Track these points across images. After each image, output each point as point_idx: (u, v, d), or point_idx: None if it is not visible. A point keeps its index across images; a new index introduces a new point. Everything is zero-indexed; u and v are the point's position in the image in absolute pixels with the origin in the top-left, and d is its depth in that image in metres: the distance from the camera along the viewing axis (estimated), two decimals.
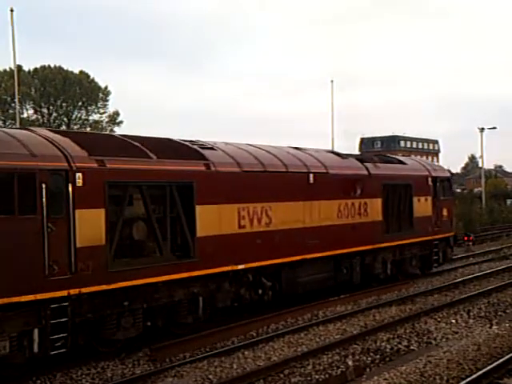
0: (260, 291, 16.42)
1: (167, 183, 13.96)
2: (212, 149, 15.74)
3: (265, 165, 16.38)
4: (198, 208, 14.44)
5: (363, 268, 19.71)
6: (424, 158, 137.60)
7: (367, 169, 19.82)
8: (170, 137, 15.85)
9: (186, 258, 14.27)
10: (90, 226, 12.31)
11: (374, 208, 19.85)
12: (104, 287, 12.53)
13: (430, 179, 22.61)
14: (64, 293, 11.82)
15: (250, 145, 17.51)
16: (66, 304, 11.88)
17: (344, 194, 18.78)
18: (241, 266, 15.55)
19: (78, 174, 12.17)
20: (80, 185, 12.18)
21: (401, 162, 22.14)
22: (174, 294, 14.12)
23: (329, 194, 18.19)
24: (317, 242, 17.65)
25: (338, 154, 19.79)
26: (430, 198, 22.45)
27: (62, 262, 11.82)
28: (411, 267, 21.96)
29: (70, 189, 12.02)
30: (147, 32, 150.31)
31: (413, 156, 23.87)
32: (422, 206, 21.99)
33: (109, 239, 12.63)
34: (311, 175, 17.61)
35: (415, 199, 21.65)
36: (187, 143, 15.58)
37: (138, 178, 13.43)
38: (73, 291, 11.97)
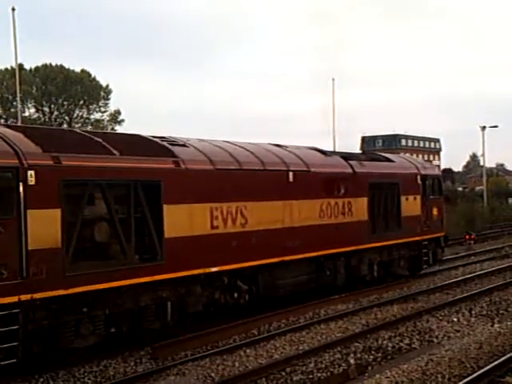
0: (236, 295, 15.46)
1: (131, 181, 12.97)
2: (184, 146, 14.77)
3: (240, 162, 15.41)
4: (166, 208, 13.47)
5: (348, 270, 18.72)
6: (425, 156, 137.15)
7: (352, 167, 18.81)
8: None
9: (152, 260, 13.31)
10: (44, 227, 11.34)
11: (360, 207, 18.85)
12: (61, 292, 11.56)
13: (418, 177, 21.54)
14: (14, 299, 10.86)
15: (227, 142, 16.54)
16: (17, 311, 10.96)
17: (327, 192, 17.79)
18: (214, 269, 14.58)
19: (30, 172, 11.20)
20: (32, 183, 11.21)
21: (388, 160, 21.11)
22: (140, 298, 13.15)
23: (310, 193, 17.20)
24: (297, 243, 16.67)
25: (321, 152, 18.77)
26: (418, 197, 21.40)
27: (12, 266, 10.87)
28: (399, 268, 20.94)
29: (21, 188, 11.05)
30: (147, 32, 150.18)
31: (402, 154, 22.79)
32: (411, 205, 20.96)
33: (66, 241, 11.65)
34: (291, 173, 16.62)
35: (403, 198, 20.61)
36: (157, 139, 14.62)
37: (98, 176, 12.45)
38: (24, 297, 11.00)
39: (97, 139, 13.06)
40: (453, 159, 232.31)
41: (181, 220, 13.78)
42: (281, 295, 16.72)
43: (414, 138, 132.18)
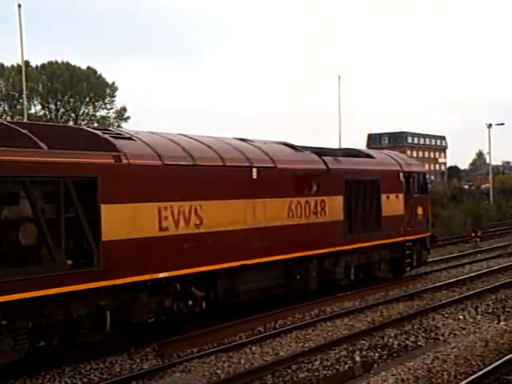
0: (190, 302, 13.81)
1: (61, 178, 11.32)
2: (130, 139, 13.12)
3: (195, 157, 13.73)
4: (103, 207, 11.82)
5: (322, 273, 17.01)
6: (431, 154, 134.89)
7: (325, 163, 17.04)
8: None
9: (87, 266, 11.69)
10: None
11: (334, 206, 17.11)
12: None
13: (401, 174, 19.69)
14: None
15: (183, 135, 14.90)
16: None
17: (296, 191, 16.06)
18: (163, 275, 12.93)
19: None
20: None
21: (368, 156, 19.29)
22: (72, 308, 11.53)
23: (277, 191, 15.50)
24: (262, 246, 14.99)
25: (291, 147, 17.01)
26: (401, 195, 19.58)
27: None
28: (380, 271, 19.18)
29: None
30: (149, 28, 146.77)
31: (386, 150, 20.96)
32: (392, 203, 19.17)
33: None
34: (254, 170, 14.93)
35: (384, 196, 18.82)
36: (98, 132, 13.00)
37: (21, 172, 10.81)
38: None
39: (23, 131, 11.43)
40: (459, 157, 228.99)
41: (122, 221, 12.14)
42: (243, 302, 15.08)
43: (420, 135, 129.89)
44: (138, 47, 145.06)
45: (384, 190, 18.82)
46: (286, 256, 15.73)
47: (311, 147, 17.65)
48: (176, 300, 13.54)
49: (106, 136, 12.74)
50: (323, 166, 16.97)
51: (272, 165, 15.49)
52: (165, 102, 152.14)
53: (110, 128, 13.54)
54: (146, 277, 12.62)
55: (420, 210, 20.33)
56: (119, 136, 13.02)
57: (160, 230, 12.85)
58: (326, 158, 17.17)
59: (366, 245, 18.18)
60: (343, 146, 20.73)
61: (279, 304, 15.60)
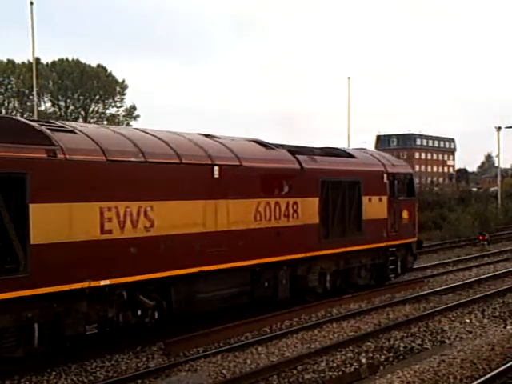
0: (140, 312, 12.32)
1: None
2: (71, 132, 11.62)
3: (145, 153, 12.19)
4: (32, 207, 10.33)
5: (294, 280, 15.43)
6: (440, 156, 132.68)
7: (299, 162, 15.44)
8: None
9: (12, 272, 10.21)
10: None
11: (308, 209, 15.51)
12: None
13: (385, 176, 18.00)
14: None
15: (140, 130, 13.42)
16: None
17: (265, 191, 14.49)
18: (104, 282, 11.41)
19: None
20: None
21: (349, 156, 17.65)
22: None
23: (242, 192, 13.95)
24: (224, 251, 13.46)
25: (261, 144, 15.41)
26: (384, 198, 17.89)
27: None
28: (360, 278, 17.54)
29: None
30: (158, 26, 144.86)
31: (370, 149, 19.32)
32: (375, 206, 17.52)
33: None
34: (216, 168, 13.38)
35: (365, 199, 17.17)
36: (35, 124, 11.49)
37: None
38: None
39: None
40: (467, 159, 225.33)
41: (55, 222, 10.64)
42: (203, 311, 13.56)
43: (428, 137, 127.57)
44: (150, 45, 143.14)
45: (366, 191, 17.17)
46: (252, 262, 14.17)
47: (287, 145, 16.06)
48: (122, 310, 12.04)
49: (42, 128, 11.25)
50: (297, 166, 15.38)
51: (237, 163, 13.93)
52: (178, 101, 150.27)
53: (54, 121, 12.03)
54: (85, 284, 11.11)
55: (405, 214, 18.66)
56: (59, 129, 11.52)
57: (102, 232, 11.34)
58: (301, 157, 15.57)
59: (344, 250, 16.54)
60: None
61: (284, 306, 15.14)
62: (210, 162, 13.34)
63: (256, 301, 14.67)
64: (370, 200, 17.29)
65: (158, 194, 12.30)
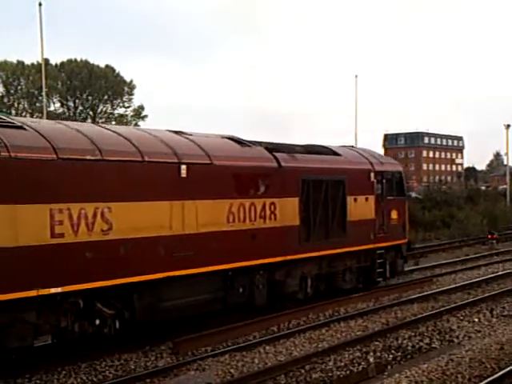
0: (98, 322, 11.31)
1: None
2: (20, 128, 10.63)
3: (103, 151, 11.14)
4: None
5: (272, 286, 14.37)
6: (448, 154, 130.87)
7: (277, 160, 14.37)
8: None
9: None
10: None
11: (287, 210, 14.43)
12: None
13: (372, 174, 16.83)
14: None
15: (100, 125, 12.43)
16: None
17: (239, 191, 13.43)
18: (55, 290, 10.39)
19: None
20: None
21: (334, 153, 16.49)
22: None
23: (213, 192, 12.89)
24: (193, 255, 12.42)
25: (236, 141, 14.36)
26: (371, 198, 16.72)
27: None
28: (345, 282, 16.42)
29: None
30: (162, 27, 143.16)
31: (358, 147, 18.04)
32: (361, 207, 16.38)
33: None
34: (183, 167, 12.33)
35: (350, 199, 16.02)
36: None
37: None
38: None
39: None
40: (476, 158, 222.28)
41: None
42: (170, 319, 12.53)
43: (436, 135, 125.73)
44: (157, 45, 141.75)
45: (351, 191, 16.05)
46: (225, 266, 13.12)
47: (265, 142, 14.99)
48: (78, 319, 11.04)
49: None
50: (274, 164, 14.30)
51: (207, 161, 12.88)
52: (180, 100, 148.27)
53: (4, 116, 11.05)
54: (32, 293, 10.11)
55: (394, 214, 17.50)
56: (5, 124, 10.52)
57: (52, 236, 10.32)
58: (279, 155, 14.48)
59: (327, 253, 15.45)
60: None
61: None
62: (176, 161, 12.30)
63: (230, 307, 13.62)
64: (355, 200, 16.16)
65: (117, 195, 11.27)
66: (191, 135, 13.64)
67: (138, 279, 11.60)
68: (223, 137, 14.45)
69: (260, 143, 14.76)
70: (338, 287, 16.26)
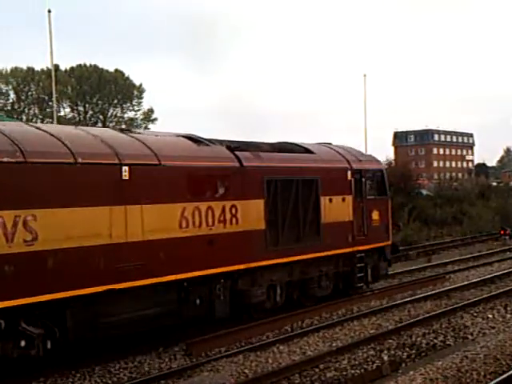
0: (23, 343, 9.85)
1: None
2: None
3: (26, 152, 9.66)
4: None
5: (235, 295, 12.85)
6: (459, 151, 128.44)
7: (239, 159, 12.85)
8: None
9: None
10: None
11: (251, 213, 12.87)
12: None
13: (349, 173, 15.20)
14: None
15: (28, 124, 11.02)
16: None
17: (193, 194, 11.90)
18: None
19: None
20: None
21: (307, 151, 14.91)
22: None
23: (162, 195, 11.39)
24: (139, 265, 10.96)
25: (192, 140, 12.76)
26: (349, 198, 15.07)
27: None
28: (320, 289, 14.81)
29: None
30: (174, 28, 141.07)
31: (335, 144, 16.37)
32: (337, 208, 14.74)
33: None
34: (125, 168, 10.86)
35: (324, 199, 14.39)
36: None
37: None
38: None
39: None
40: (487, 154, 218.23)
41: None
42: (112, 336, 11.06)
43: (446, 132, 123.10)
44: (165, 48, 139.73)
45: (325, 191, 14.45)
46: (178, 276, 11.62)
47: (227, 141, 13.47)
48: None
49: None
50: (235, 163, 12.76)
51: (155, 162, 11.38)
52: (199, 103, 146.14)
53: None
54: None
55: (376, 215, 15.85)
56: None
57: None
58: (241, 154, 12.93)
59: (298, 258, 13.89)
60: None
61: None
62: (116, 162, 10.81)
63: (186, 321, 12.13)
64: (330, 200, 14.57)
65: (43, 201, 9.82)
66: (140, 134, 12.19)
67: (70, 294, 10.13)
68: (179, 135, 12.94)
69: (222, 142, 13.25)
70: (311, 295, 14.68)
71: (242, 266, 12.72)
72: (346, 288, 15.63)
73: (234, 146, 13.12)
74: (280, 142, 15.21)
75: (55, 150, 10.21)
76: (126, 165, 10.90)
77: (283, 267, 13.73)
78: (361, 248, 15.44)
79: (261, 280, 13.28)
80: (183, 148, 12.30)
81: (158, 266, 11.30)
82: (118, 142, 11.30)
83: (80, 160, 10.36)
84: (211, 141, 13.02)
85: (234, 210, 12.54)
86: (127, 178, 10.91)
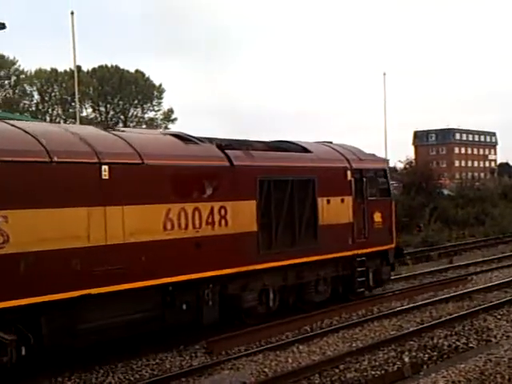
0: None
1: None
2: None
3: None
4: None
5: (225, 301, 12.22)
6: (481, 150, 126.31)
7: (229, 158, 12.21)
8: None
9: None
10: None
11: (242, 214, 12.20)
12: None
13: (349, 172, 14.41)
14: None
15: (5, 122, 10.46)
16: None
17: (179, 195, 11.27)
18: None
19: None
20: None
21: (304, 150, 14.13)
22: None
23: (145, 196, 10.77)
24: (119, 269, 10.38)
25: (181, 138, 12.15)
26: (348, 199, 14.29)
27: None
28: (317, 294, 14.08)
29: None
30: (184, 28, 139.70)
31: (335, 142, 15.61)
32: (335, 209, 13.98)
33: None
34: (105, 167, 10.28)
35: (322, 200, 13.67)
36: None
37: None
38: None
39: None
40: (510, 153, 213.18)
41: None
42: (91, 343, 10.50)
43: (468, 131, 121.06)
44: (185, 47, 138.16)
45: (322, 192, 13.72)
46: (161, 281, 10.99)
47: (218, 139, 12.83)
48: None
49: None
50: (225, 163, 12.11)
51: (137, 161, 10.78)
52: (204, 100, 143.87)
53: None
54: None
55: (378, 217, 15.05)
56: None
57: None
58: (231, 153, 12.28)
59: (293, 262, 13.19)
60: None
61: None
62: (95, 160, 10.23)
63: (171, 327, 11.54)
64: (328, 202, 13.84)
65: (15, 202, 9.25)
66: (123, 132, 11.59)
67: (44, 299, 9.58)
68: (166, 133, 12.36)
69: (212, 140, 12.63)
70: (309, 299, 13.99)
71: (231, 270, 12.06)
72: (345, 293, 14.88)
73: (224, 145, 12.47)
74: (275, 141, 14.53)
75: (29, 148, 9.65)
76: (105, 164, 10.30)
77: (277, 271, 13.04)
78: (361, 251, 14.65)
79: (252, 284, 12.60)
80: (168, 146, 11.69)
81: (140, 270, 10.69)
82: (98, 140, 10.72)
83: (56, 159, 9.78)
84: (201, 139, 12.38)
85: (223, 212, 11.89)
86: (107, 177, 10.32)
